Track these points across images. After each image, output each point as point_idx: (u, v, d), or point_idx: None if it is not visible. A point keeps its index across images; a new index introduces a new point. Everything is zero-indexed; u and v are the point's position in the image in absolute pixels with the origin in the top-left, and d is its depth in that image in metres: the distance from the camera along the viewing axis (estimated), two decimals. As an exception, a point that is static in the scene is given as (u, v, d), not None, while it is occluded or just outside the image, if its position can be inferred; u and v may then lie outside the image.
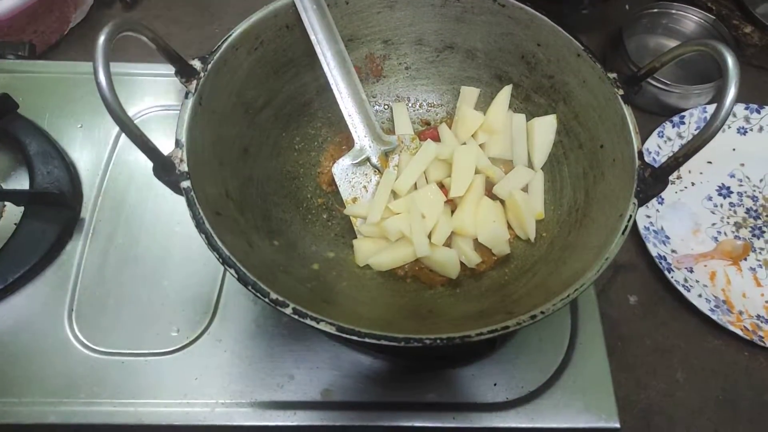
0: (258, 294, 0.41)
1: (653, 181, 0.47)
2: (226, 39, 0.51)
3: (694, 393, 0.63)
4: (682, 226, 0.73)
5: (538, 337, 0.58)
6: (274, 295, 0.41)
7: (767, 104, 0.79)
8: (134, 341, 0.57)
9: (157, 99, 0.72)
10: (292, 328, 0.58)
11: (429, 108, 0.67)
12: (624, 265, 0.70)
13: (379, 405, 0.55)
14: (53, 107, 0.70)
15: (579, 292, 0.43)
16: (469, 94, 0.64)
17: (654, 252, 0.68)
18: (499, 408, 0.55)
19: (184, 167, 0.45)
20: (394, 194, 0.59)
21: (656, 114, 0.80)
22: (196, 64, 0.49)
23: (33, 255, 0.59)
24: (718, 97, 0.43)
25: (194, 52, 0.48)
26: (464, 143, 0.62)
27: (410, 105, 0.67)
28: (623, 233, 0.45)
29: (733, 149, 0.78)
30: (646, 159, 0.49)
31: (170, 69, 0.48)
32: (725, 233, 0.73)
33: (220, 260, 0.42)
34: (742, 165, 0.77)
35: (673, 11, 0.84)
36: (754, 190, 0.76)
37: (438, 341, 0.40)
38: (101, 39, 0.38)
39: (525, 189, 0.60)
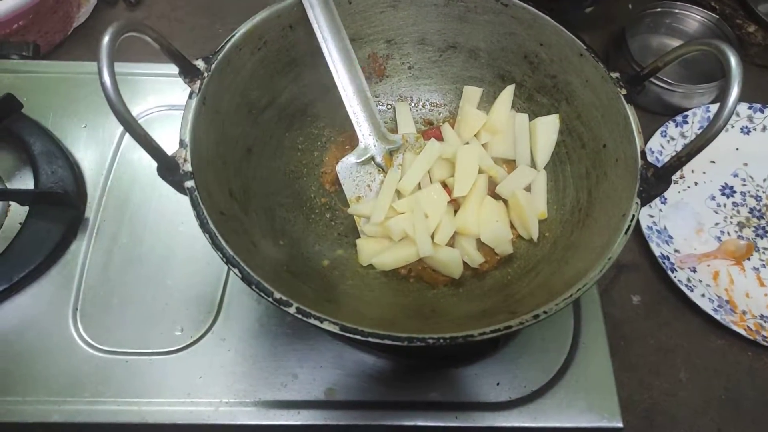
0: (262, 293, 0.41)
1: (656, 181, 0.47)
2: (229, 39, 0.51)
3: (697, 393, 0.63)
4: (685, 225, 0.72)
5: (541, 337, 0.58)
6: (277, 295, 0.41)
7: (771, 103, 0.79)
8: (138, 340, 0.57)
9: (161, 99, 0.72)
10: (295, 327, 0.58)
11: (432, 108, 0.67)
12: (627, 264, 0.70)
13: (383, 404, 0.55)
14: (57, 107, 0.70)
15: (582, 291, 0.43)
16: (472, 93, 0.64)
17: (657, 252, 0.68)
18: (501, 407, 0.55)
19: (188, 167, 0.45)
20: (398, 193, 0.59)
21: (659, 113, 0.80)
22: (200, 64, 0.49)
23: (38, 254, 0.59)
24: (721, 97, 0.43)
25: (198, 52, 0.49)
26: (467, 143, 0.62)
27: (413, 105, 0.67)
28: (626, 233, 0.45)
29: (737, 149, 0.78)
30: (649, 158, 0.49)
31: (174, 69, 0.48)
32: (728, 233, 0.72)
33: (224, 260, 0.42)
34: (746, 164, 0.77)
35: (676, 10, 0.84)
36: (758, 190, 0.76)
37: (441, 341, 0.40)
38: (105, 39, 0.38)
39: (528, 189, 0.60)
